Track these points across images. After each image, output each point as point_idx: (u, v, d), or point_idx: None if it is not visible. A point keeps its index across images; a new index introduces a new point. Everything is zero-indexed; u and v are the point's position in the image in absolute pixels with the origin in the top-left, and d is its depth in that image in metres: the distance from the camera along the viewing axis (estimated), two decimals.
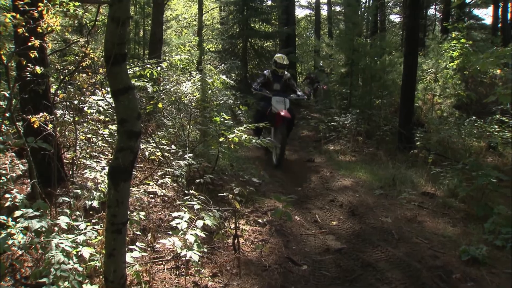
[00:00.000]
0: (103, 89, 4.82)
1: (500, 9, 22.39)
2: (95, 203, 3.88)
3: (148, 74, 5.96)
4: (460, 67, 10.98)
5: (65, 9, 4.33)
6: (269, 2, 18.37)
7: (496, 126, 8.64)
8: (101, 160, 4.78)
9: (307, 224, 5.36)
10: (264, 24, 17.95)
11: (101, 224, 3.50)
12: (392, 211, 5.78)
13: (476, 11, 25.74)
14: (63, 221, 3.15)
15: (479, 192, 6.02)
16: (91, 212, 3.89)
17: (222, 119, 5.82)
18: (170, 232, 3.54)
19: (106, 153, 5.34)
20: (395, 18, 29.82)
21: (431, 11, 26.90)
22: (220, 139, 5.67)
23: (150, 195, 4.80)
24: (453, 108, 11.16)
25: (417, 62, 10.21)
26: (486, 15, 61.66)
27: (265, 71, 9.22)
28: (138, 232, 3.97)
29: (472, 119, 8.95)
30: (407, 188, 6.51)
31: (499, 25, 22.43)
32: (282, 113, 8.01)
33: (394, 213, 5.72)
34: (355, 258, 4.40)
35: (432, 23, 26.23)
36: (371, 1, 22.95)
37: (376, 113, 11.05)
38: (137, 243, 3.33)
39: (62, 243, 2.84)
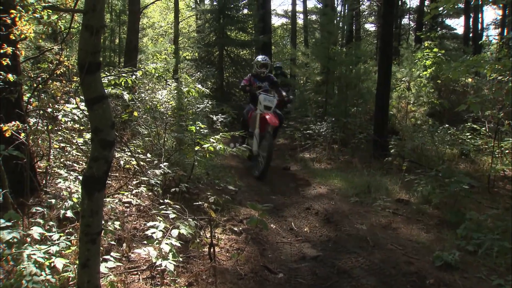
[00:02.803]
0: (77, 98, 4.77)
1: (471, 20, 22.91)
2: (69, 213, 3.83)
3: (123, 82, 5.93)
4: (433, 75, 11.18)
5: (38, 16, 4.29)
6: (245, 11, 18.43)
7: (468, 134, 8.82)
8: (75, 169, 4.72)
9: (283, 232, 5.38)
10: (240, 32, 18.02)
11: (75, 235, 3.46)
12: (367, 218, 5.84)
13: (448, 21, 26.25)
14: (36, 231, 3.10)
15: (452, 198, 6.13)
16: (65, 222, 3.85)
17: (197, 128, 5.81)
18: (145, 242, 3.51)
19: (81, 162, 5.28)
20: (370, 27, 30.29)
21: (405, 21, 27.39)
22: (196, 148, 5.67)
23: (125, 205, 4.76)
24: (427, 116, 11.34)
25: (391, 71, 10.36)
26: (458, 25, 62.85)
27: (250, 74, 9.02)
28: (113, 242, 3.93)
29: (445, 127, 9.12)
30: (382, 195, 6.58)
31: (471, 34, 22.92)
32: (267, 117, 7.70)
33: (369, 220, 5.78)
34: (330, 266, 4.43)
35: (406, 32, 26.67)
36: (346, 11, 23.25)
37: (352, 121, 11.15)
38: (112, 253, 3.30)
39: (34, 254, 2.79)
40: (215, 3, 17.33)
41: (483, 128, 8.74)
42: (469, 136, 8.81)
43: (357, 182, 7.51)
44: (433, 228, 5.63)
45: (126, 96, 5.84)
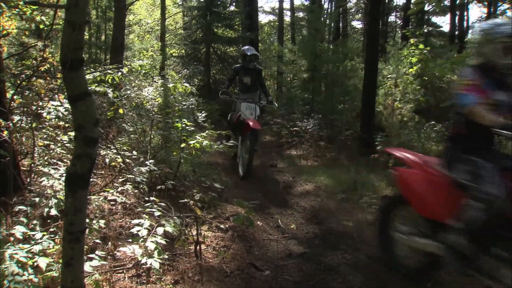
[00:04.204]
0: (61, 95, 4.72)
1: (457, 17, 23.05)
2: (53, 211, 3.79)
3: (109, 79, 5.88)
4: (419, 73, 11.22)
5: (21, 12, 4.24)
6: (232, 8, 18.39)
7: None
8: (60, 167, 4.67)
9: (270, 229, 5.37)
10: (227, 29, 17.95)
11: (59, 233, 3.42)
12: (353, 215, 5.85)
13: (435, 19, 26.40)
14: (19, 230, 3.07)
15: None
16: (49, 220, 3.80)
17: (183, 125, 5.78)
18: (130, 240, 3.49)
19: (65, 160, 5.23)
20: (357, 24, 30.36)
21: (392, 18, 27.50)
22: (182, 145, 5.64)
23: (111, 203, 4.73)
24: (413, 113, 11.36)
25: (377, 68, 10.39)
26: (444, 22, 63.20)
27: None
28: (98, 241, 3.90)
29: (431, 124, 9.16)
30: (368, 192, 6.60)
31: (457, 32, 23.07)
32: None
33: (356, 216, 5.79)
34: (317, 262, 4.43)
35: (393, 29, 26.78)
36: (333, 8, 23.27)
37: (338, 118, 11.17)
38: (97, 252, 3.27)
39: (17, 253, 2.76)
40: (202, 0, 17.23)
41: None
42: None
43: (343, 179, 7.52)
44: None
45: (111, 94, 5.79)
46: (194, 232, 4.19)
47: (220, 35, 17.34)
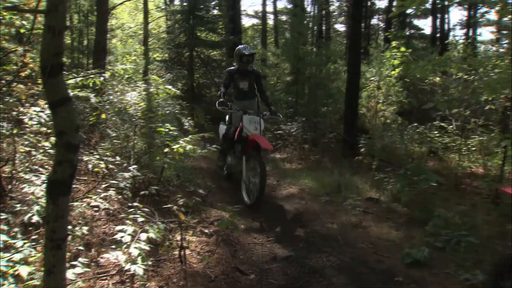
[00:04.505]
0: (43, 100, 4.68)
1: (438, 20, 23.36)
2: (35, 218, 3.74)
3: (91, 84, 5.83)
4: (402, 75, 11.32)
5: (0, 17, 4.19)
6: (216, 12, 18.38)
7: (436, 132, 8.95)
8: (42, 173, 4.62)
9: (254, 233, 5.37)
10: (211, 33, 17.94)
11: (40, 241, 3.38)
12: (337, 217, 5.89)
13: (416, 22, 26.72)
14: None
15: (421, 196, 6.23)
16: (30, 228, 3.76)
17: (166, 130, 5.76)
18: (114, 246, 3.46)
19: (47, 166, 5.17)
20: (340, 27, 30.55)
21: (374, 21, 27.73)
22: (165, 150, 5.62)
23: (94, 209, 4.68)
24: (396, 115, 11.47)
25: (360, 71, 10.48)
26: (425, 25, 63.96)
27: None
28: (81, 247, 3.86)
29: (413, 125, 9.24)
30: (352, 194, 6.64)
31: (438, 35, 23.37)
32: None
33: (340, 219, 5.83)
34: (302, 265, 4.45)
35: (375, 32, 27.00)
36: (316, 11, 23.40)
37: (322, 121, 11.22)
38: (80, 259, 3.24)
39: None
40: (185, 4, 17.20)
41: (451, 126, 8.89)
42: (437, 134, 8.95)
43: (327, 181, 7.55)
44: (403, 226, 5.71)
45: (93, 99, 5.75)
46: (178, 237, 4.18)
47: (203, 39, 17.33)
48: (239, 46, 7.46)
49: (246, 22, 31.37)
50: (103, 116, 6.59)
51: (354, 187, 7.13)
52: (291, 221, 5.86)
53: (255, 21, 31.50)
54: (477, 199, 6.73)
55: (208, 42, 17.28)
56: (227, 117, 7.59)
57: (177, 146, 5.35)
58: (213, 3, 17.98)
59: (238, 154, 7.01)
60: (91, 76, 5.98)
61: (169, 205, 4.47)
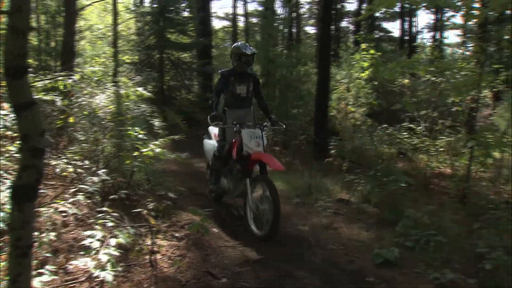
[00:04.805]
0: (7, 103, 4.57)
1: (406, 23, 23.79)
2: (1, 225, 3.64)
3: (61, 86, 5.73)
4: (371, 77, 11.47)
5: None
6: (186, 14, 18.28)
7: (405, 133, 9.10)
8: (7, 179, 4.51)
9: (226, 236, 5.35)
10: (181, 35, 17.83)
11: (5, 249, 3.29)
12: (309, 219, 5.92)
13: (385, 24, 27.17)
14: None
15: (390, 197, 6.32)
16: None
17: (136, 133, 5.70)
18: (83, 252, 3.40)
19: (12, 171, 5.05)
20: (310, 29, 30.79)
21: (344, 24, 28.04)
22: (135, 153, 5.56)
23: (62, 214, 4.59)
24: (366, 117, 11.61)
25: (330, 73, 10.56)
26: (394, 28, 64.96)
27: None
28: (48, 254, 3.78)
29: (383, 127, 9.37)
30: (323, 196, 6.69)
31: (406, 37, 23.79)
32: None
33: (311, 220, 5.86)
34: (274, 268, 4.45)
35: (345, 35, 27.30)
36: (286, 14, 23.51)
37: (292, 123, 11.26)
38: (47, 266, 3.17)
39: None
40: (154, 5, 17.05)
41: (419, 128, 9.04)
42: (406, 136, 9.09)
43: (298, 183, 7.58)
44: (373, 227, 5.78)
45: (59, 102, 5.64)
46: (149, 242, 4.14)
47: (173, 41, 17.19)
48: (237, 44, 6.34)
49: (218, 24, 31.41)
50: (71, 119, 6.47)
51: (324, 188, 7.18)
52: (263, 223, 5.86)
53: (226, 23, 31.56)
54: (445, 199, 6.87)
55: (178, 44, 17.15)
56: (211, 130, 6.76)
57: (147, 149, 5.30)
58: (183, 5, 17.86)
59: (237, 175, 5.90)
60: (59, 78, 5.88)
61: (139, 209, 4.42)
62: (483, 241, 4.74)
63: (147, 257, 4.07)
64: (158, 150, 5.29)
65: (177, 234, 4.91)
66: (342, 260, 4.65)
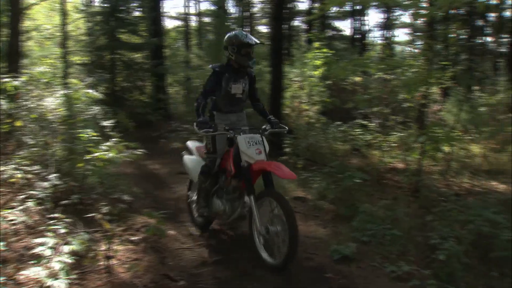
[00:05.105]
0: None
1: (357, 22, 24.29)
2: None
3: (10, 88, 5.54)
4: (324, 75, 11.60)
5: None
6: (137, 13, 17.99)
7: (358, 130, 9.25)
8: None
9: (183, 237, 5.29)
10: (133, 35, 17.54)
11: None
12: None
13: (337, 23, 27.60)
14: None
15: (346, 193, 6.41)
16: None
17: (87, 136, 5.57)
18: (34, 261, 3.29)
19: None
20: (263, 28, 30.90)
21: (297, 22, 28.29)
22: (87, 157, 5.43)
23: (11, 222, 4.44)
24: (320, 114, 11.73)
25: (283, 71, 10.62)
26: (346, 27, 66.11)
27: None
28: None
29: (337, 124, 9.49)
30: None
31: (358, 36, 24.26)
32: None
33: None
34: (232, 268, 4.45)
35: (298, 33, 27.55)
36: (239, 13, 23.55)
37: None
38: None
39: None
40: (105, 5, 16.69)
41: (372, 124, 9.20)
42: (360, 132, 9.23)
43: None
44: (330, 223, 5.85)
45: (5, 105, 5.46)
46: (104, 247, 4.05)
47: (124, 41, 16.90)
48: (234, 32, 5.04)
49: (170, 24, 31.11)
50: (19, 123, 6.27)
51: (280, 187, 7.18)
52: (220, 224, 5.82)
53: (179, 23, 31.30)
54: (399, 193, 7.02)
55: (129, 44, 16.86)
56: (190, 145, 5.85)
57: (99, 152, 5.19)
58: (135, 4, 17.57)
59: (234, 193, 4.94)
60: (5, 80, 5.69)
61: (92, 214, 4.32)
62: (435, 232, 4.87)
63: (102, 263, 3.98)
64: (110, 154, 5.18)
65: (133, 238, 4.82)
66: (300, 257, 4.66)
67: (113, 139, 5.79)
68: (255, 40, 4.93)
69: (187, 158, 5.71)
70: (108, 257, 3.93)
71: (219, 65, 5.03)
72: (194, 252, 4.88)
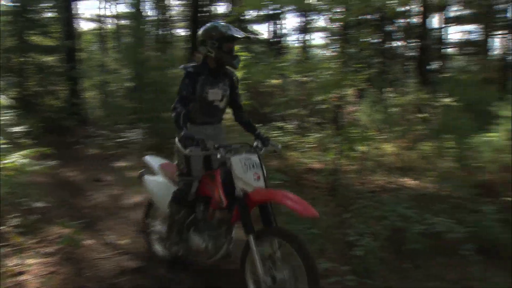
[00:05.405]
0: None
1: (275, 25, 24.76)
2: None
3: None
4: (244, 77, 11.68)
5: None
6: (50, 14, 17.27)
7: (277, 132, 9.38)
8: None
9: (100, 247, 5.13)
10: (46, 37, 16.82)
11: None
12: None
13: (255, 26, 27.91)
14: None
15: None
16: None
17: None
18: None
19: None
20: (182, 32, 30.70)
21: None
22: None
23: None
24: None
25: None
26: (263, 30, 67.12)
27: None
28: None
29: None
30: None
31: (275, 39, 24.72)
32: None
33: None
34: (153, 275, 4.39)
35: None
36: (156, 16, 23.28)
37: (165, 126, 11.11)
38: None
39: None
40: (13, 5, 15.87)
41: (290, 126, 9.35)
42: (278, 134, 9.37)
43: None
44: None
45: None
46: (14, 262, 3.86)
47: (36, 43, 16.17)
48: (212, 23, 4.03)
49: (86, 26, 30.15)
50: None
51: None
52: (139, 231, 5.71)
53: (95, 25, 30.40)
54: (317, 193, 7.18)
55: (41, 47, 16.16)
56: (150, 161, 4.92)
57: (9, 161, 4.95)
58: (46, 4, 16.84)
59: (219, 227, 3.95)
60: None
61: (1, 227, 4.11)
62: (352, 229, 5.05)
63: (14, 279, 3.79)
64: (21, 161, 4.95)
65: (47, 250, 4.63)
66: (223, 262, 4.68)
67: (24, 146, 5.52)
68: (240, 33, 3.90)
69: (149, 180, 4.66)
70: (19, 273, 3.75)
71: (192, 65, 3.96)
72: (112, 261, 4.75)
